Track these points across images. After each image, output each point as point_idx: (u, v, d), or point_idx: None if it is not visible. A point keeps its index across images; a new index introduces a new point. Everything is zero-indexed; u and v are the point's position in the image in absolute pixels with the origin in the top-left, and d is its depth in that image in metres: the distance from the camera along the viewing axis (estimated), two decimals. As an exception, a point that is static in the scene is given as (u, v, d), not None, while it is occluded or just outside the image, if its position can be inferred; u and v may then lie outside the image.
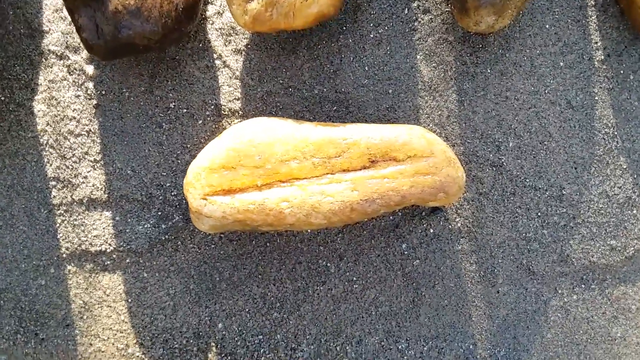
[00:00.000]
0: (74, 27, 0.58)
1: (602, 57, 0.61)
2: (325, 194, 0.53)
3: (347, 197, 0.53)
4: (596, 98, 0.61)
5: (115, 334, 0.62)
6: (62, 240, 0.62)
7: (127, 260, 0.62)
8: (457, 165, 0.55)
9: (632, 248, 0.61)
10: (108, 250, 0.62)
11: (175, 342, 0.62)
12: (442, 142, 0.56)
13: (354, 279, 0.61)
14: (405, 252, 0.61)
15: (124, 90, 0.61)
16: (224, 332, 0.62)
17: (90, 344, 0.62)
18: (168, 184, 0.61)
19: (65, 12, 0.62)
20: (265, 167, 0.54)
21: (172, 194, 0.61)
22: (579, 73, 0.61)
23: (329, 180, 0.54)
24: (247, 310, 0.61)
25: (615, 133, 0.62)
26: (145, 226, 0.62)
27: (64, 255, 0.62)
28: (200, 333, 0.62)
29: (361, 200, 0.53)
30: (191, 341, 0.62)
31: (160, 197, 0.61)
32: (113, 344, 0.62)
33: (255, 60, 0.61)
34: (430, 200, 0.54)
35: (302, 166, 0.54)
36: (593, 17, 0.61)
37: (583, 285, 0.61)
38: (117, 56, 0.56)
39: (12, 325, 0.62)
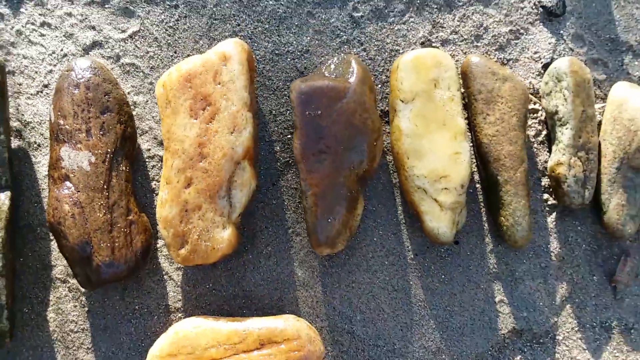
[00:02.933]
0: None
1: (412, 256, 0.95)
2: (232, 368, 0.86)
3: (246, 369, 0.85)
4: (411, 283, 0.95)
5: None
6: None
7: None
8: (317, 341, 0.87)
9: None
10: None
11: None
12: (305, 326, 0.88)
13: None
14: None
15: (106, 299, 0.94)
16: None
17: None
18: (136, 361, 0.93)
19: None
20: (195, 353, 0.86)
21: (139, 367, 0.93)
22: (398, 268, 0.95)
23: (235, 359, 0.86)
24: None
25: (425, 304, 0.94)
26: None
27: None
28: None
29: (253, 371, 0.85)
30: None
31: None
32: None
33: (189, 275, 0.95)
34: (298, 368, 0.86)
35: (217, 351, 0.86)
36: (405, 229, 0.96)
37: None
38: (100, 286, 0.89)
39: None
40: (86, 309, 0.94)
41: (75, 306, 0.94)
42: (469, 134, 0.96)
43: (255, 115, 0.92)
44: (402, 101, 0.91)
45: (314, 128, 0.87)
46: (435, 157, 0.89)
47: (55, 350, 0.93)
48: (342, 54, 0.96)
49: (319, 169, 0.87)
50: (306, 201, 0.88)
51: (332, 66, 0.94)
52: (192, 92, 0.89)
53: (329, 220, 0.88)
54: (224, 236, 0.88)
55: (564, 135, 0.91)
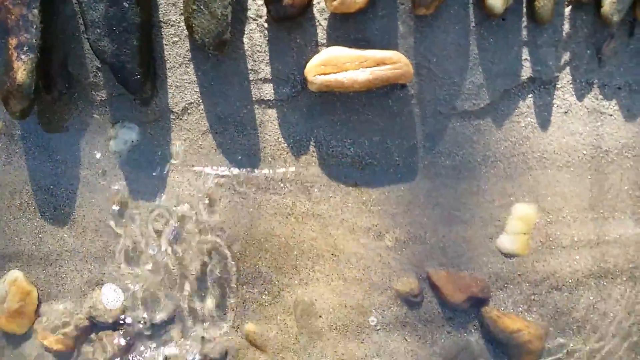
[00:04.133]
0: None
1: (474, 24, 1.49)
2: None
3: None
4: (472, 47, 1.50)
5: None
6: None
7: None
8: (409, 66, 1.45)
9: None
10: None
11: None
12: (403, 57, 1.45)
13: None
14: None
15: (279, 33, 1.52)
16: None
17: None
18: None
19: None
20: (337, 65, 1.44)
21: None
22: (466, 33, 1.49)
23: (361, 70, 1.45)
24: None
25: (480, 60, 1.51)
26: None
27: None
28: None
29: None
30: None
31: None
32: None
33: (329, 16, 1.51)
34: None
35: (351, 64, 1.44)
36: (474, 17, 1.49)
37: None
38: (282, 21, 1.46)
39: None
40: (267, 38, 1.52)
41: (260, 35, 1.52)
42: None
43: None
44: None
45: None
46: (500, -44, 1.40)
47: (247, 61, 1.52)
48: None
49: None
50: (416, -25, 1.42)
51: None
52: None
53: (429, -11, 1.42)
54: (363, -6, 1.43)
55: (587, -49, 1.41)
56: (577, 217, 1.54)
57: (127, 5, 1.39)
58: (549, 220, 1.54)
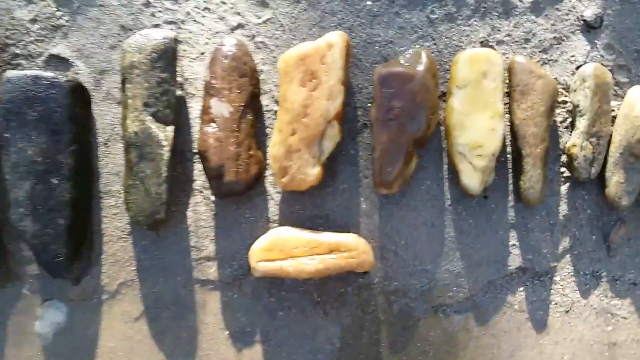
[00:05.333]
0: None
1: (449, 202, 1.27)
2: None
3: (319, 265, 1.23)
4: (445, 222, 1.27)
5: None
6: None
7: None
8: (369, 254, 1.20)
9: None
10: None
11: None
12: (363, 242, 1.21)
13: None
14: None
15: (226, 207, 1.35)
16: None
17: None
18: None
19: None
20: (284, 250, 1.23)
21: None
22: (437, 210, 1.27)
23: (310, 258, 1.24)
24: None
25: (454, 240, 1.26)
26: None
27: None
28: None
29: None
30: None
31: None
32: None
33: (285, 197, 1.33)
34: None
35: (299, 250, 1.23)
36: (447, 182, 1.27)
37: None
38: (226, 197, 1.29)
39: None
40: (213, 212, 1.35)
41: (206, 209, 1.35)
42: (507, 116, 1.24)
43: (346, 87, 1.26)
44: (457, 87, 1.21)
45: (387, 102, 1.20)
46: (475, 131, 1.19)
47: (189, 237, 1.36)
48: (416, 47, 1.27)
49: (386, 132, 1.20)
50: (375, 154, 1.22)
51: (407, 56, 1.25)
52: (304, 68, 1.24)
53: (389, 169, 1.21)
54: (314, 172, 1.24)
55: (581, 124, 1.18)
56: None
57: (56, 182, 1.26)
58: None
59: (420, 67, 1.21)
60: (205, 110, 1.29)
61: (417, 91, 1.20)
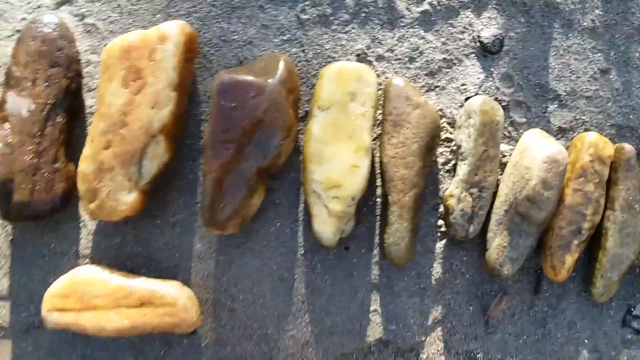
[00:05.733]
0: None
1: (302, 252, 1.02)
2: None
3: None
4: (296, 277, 1.02)
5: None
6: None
7: None
8: (191, 312, 0.94)
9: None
10: None
11: None
12: (186, 295, 0.95)
13: None
14: None
15: (28, 234, 1.06)
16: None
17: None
18: None
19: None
20: (84, 298, 0.95)
21: None
22: (287, 260, 1.02)
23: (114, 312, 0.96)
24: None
25: (304, 299, 1.01)
26: None
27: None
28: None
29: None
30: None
31: None
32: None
33: (102, 227, 1.05)
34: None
35: (103, 300, 0.95)
36: (302, 226, 1.02)
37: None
38: (18, 222, 1.00)
39: None
40: (10, 238, 1.05)
41: (2, 242, 1.06)
42: (377, 150, 1.00)
43: (184, 94, 1.00)
44: (319, 108, 0.97)
45: (225, 118, 0.94)
46: (334, 166, 0.95)
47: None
48: (274, 53, 1.02)
49: (221, 156, 0.94)
50: (205, 183, 0.96)
51: (263, 63, 1.00)
52: (128, 63, 0.97)
53: (222, 204, 0.95)
54: (128, 199, 0.96)
55: (461, 170, 0.95)
56: None
57: None
58: None
59: (273, 79, 0.96)
60: (0, 104, 1.00)
61: (267, 108, 0.94)
